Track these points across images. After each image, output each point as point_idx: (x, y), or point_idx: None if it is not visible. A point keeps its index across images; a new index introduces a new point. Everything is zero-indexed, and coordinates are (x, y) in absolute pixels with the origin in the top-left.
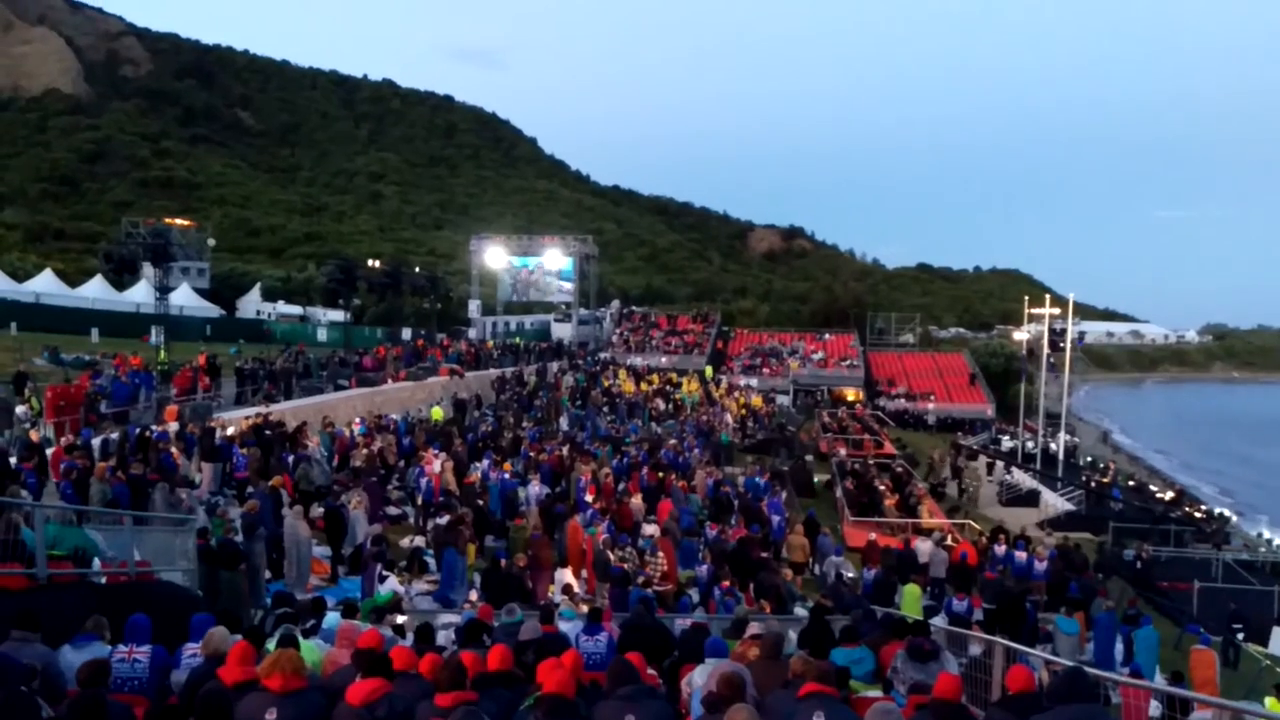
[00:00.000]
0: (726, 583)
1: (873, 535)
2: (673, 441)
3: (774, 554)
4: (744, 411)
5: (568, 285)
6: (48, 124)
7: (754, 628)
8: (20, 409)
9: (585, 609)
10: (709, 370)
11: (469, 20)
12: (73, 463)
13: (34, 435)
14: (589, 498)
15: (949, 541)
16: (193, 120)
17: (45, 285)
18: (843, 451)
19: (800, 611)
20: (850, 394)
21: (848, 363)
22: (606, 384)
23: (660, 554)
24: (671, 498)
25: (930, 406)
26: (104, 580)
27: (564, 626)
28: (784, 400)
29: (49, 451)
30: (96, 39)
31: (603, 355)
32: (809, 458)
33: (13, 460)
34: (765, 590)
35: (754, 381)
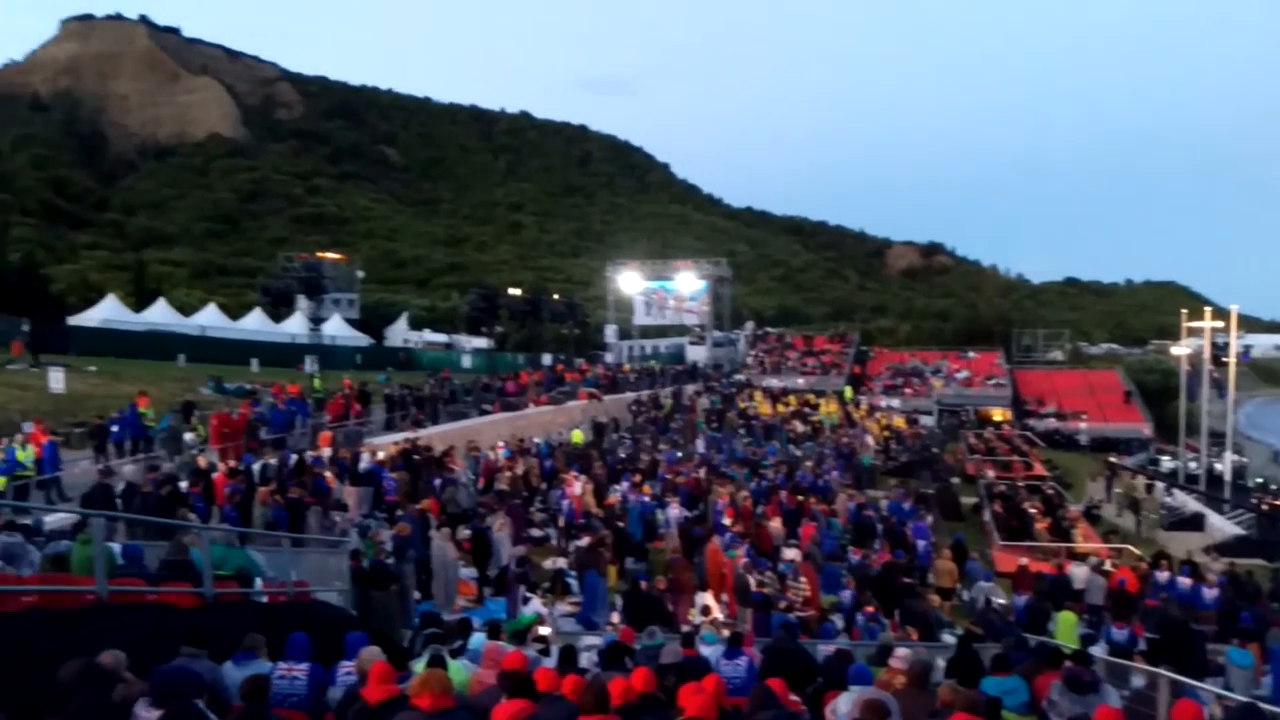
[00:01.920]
0: (870, 609)
1: (1024, 560)
2: (811, 464)
3: (919, 579)
4: (886, 433)
5: (702, 308)
6: (210, 167)
7: (899, 655)
8: (188, 436)
9: (726, 633)
10: (848, 391)
11: (601, 51)
12: (236, 487)
13: (201, 461)
14: (727, 521)
15: (1106, 567)
16: (341, 158)
17: (210, 319)
18: (990, 473)
19: (948, 639)
20: (997, 414)
21: (994, 381)
22: (742, 406)
23: (802, 578)
24: (813, 521)
25: (1082, 426)
26: (265, 599)
27: (705, 650)
28: (927, 421)
29: (214, 476)
30: (253, 85)
31: (738, 377)
32: (955, 480)
33: (182, 485)
34: (911, 616)
35: (895, 402)
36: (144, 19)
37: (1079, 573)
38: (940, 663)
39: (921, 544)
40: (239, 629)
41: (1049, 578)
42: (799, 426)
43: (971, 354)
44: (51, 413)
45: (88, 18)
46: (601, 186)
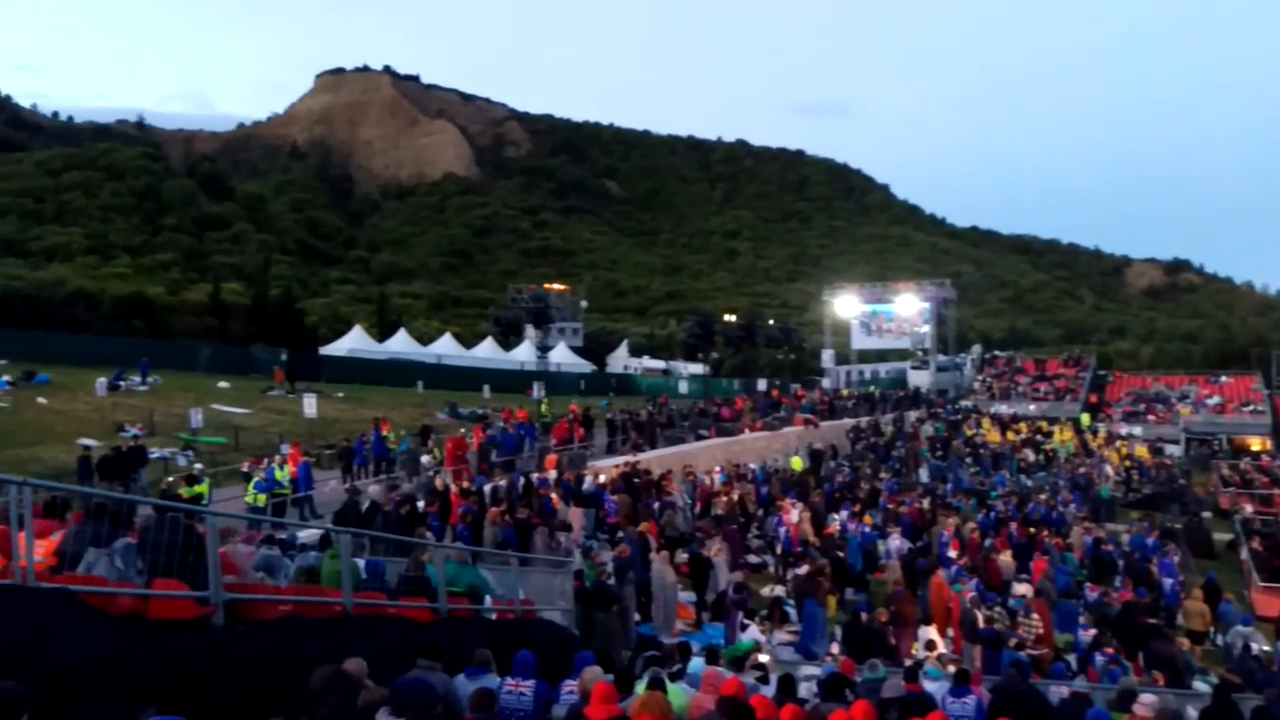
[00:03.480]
0: (1110, 650)
1: None
2: (1044, 495)
3: (1166, 621)
4: (1127, 463)
5: (924, 331)
6: (446, 204)
7: (1145, 701)
8: (425, 458)
9: (952, 669)
10: (1085, 418)
11: (816, 74)
12: (469, 507)
13: (437, 482)
14: (953, 553)
15: None
16: (566, 193)
17: (445, 347)
18: (1248, 508)
19: (1201, 687)
20: (1255, 443)
21: (1250, 408)
22: (969, 433)
23: (1034, 615)
24: (1046, 556)
25: None
26: (494, 616)
27: (929, 686)
28: (1174, 450)
29: (449, 496)
30: (485, 126)
31: (964, 403)
32: (1206, 514)
33: (420, 505)
34: (1158, 660)
35: (1137, 430)
36: (388, 69)
37: None
38: (1192, 713)
39: (1168, 582)
40: (470, 644)
41: None
42: (1030, 455)
43: (1224, 378)
44: (305, 435)
45: (339, 71)
46: (818, 210)
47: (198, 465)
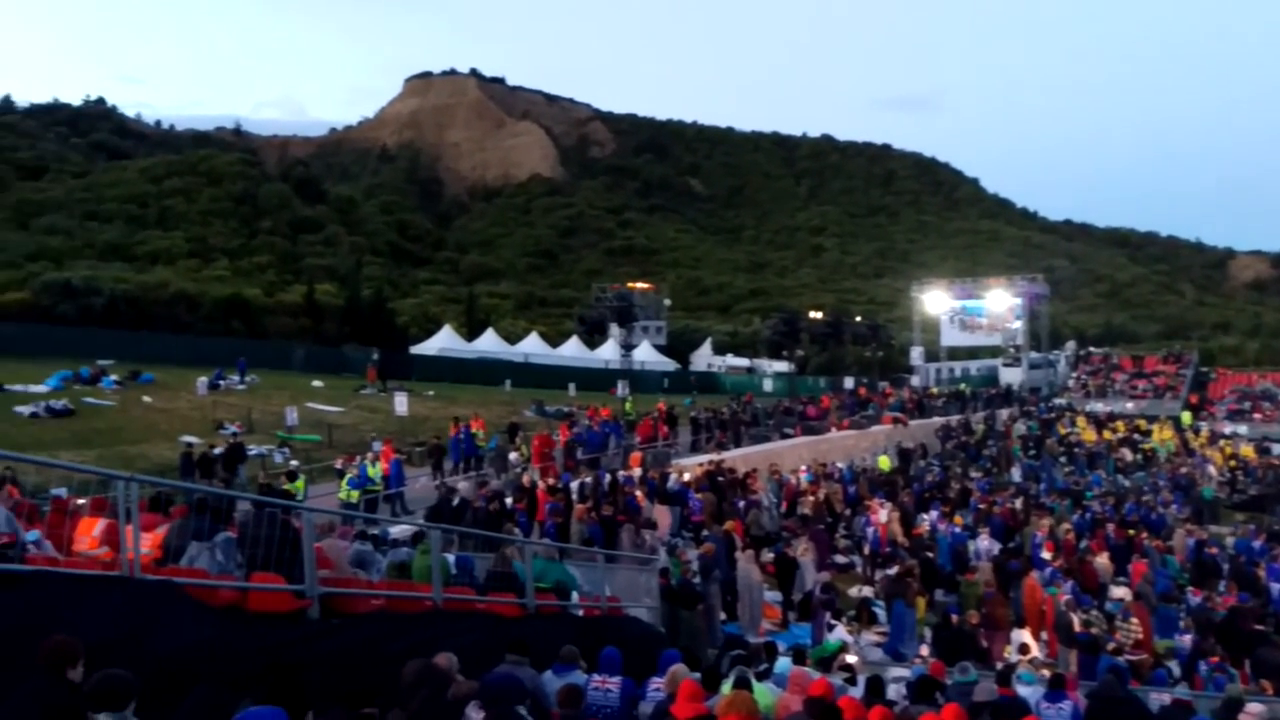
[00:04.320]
0: (1215, 657)
1: None
2: (1145, 496)
3: (1273, 627)
4: (1231, 463)
5: (1016, 327)
6: (531, 205)
7: (1252, 710)
8: (513, 455)
9: (1046, 674)
10: (1186, 416)
11: (903, 67)
12: (555, 504)
13: (525, 479)
14: (1047, 555)
15: None
16: (650, 191)
17: (532, 346)
18: None
19: None
20: None
21: None
22: (1063, 432)
23: (1133, 619)
24: (1145, 558)
25: None
26: (581, 613)
27: (1023, 691)
28: None
29: (536, 493)
30: (569, 126)
31: (1058, 401)
32: None
33: (508, 501)
34: (1267, 668)
35: (1243, 429)
36: (474, 72)
37: None
38: None
39: (1276, 587)
40: (557, 640)
41: None
42: (1128, 455)
43: None
44: (396, 433)
45: (426, 74)
46: (906, 205)
47: (294, 462)
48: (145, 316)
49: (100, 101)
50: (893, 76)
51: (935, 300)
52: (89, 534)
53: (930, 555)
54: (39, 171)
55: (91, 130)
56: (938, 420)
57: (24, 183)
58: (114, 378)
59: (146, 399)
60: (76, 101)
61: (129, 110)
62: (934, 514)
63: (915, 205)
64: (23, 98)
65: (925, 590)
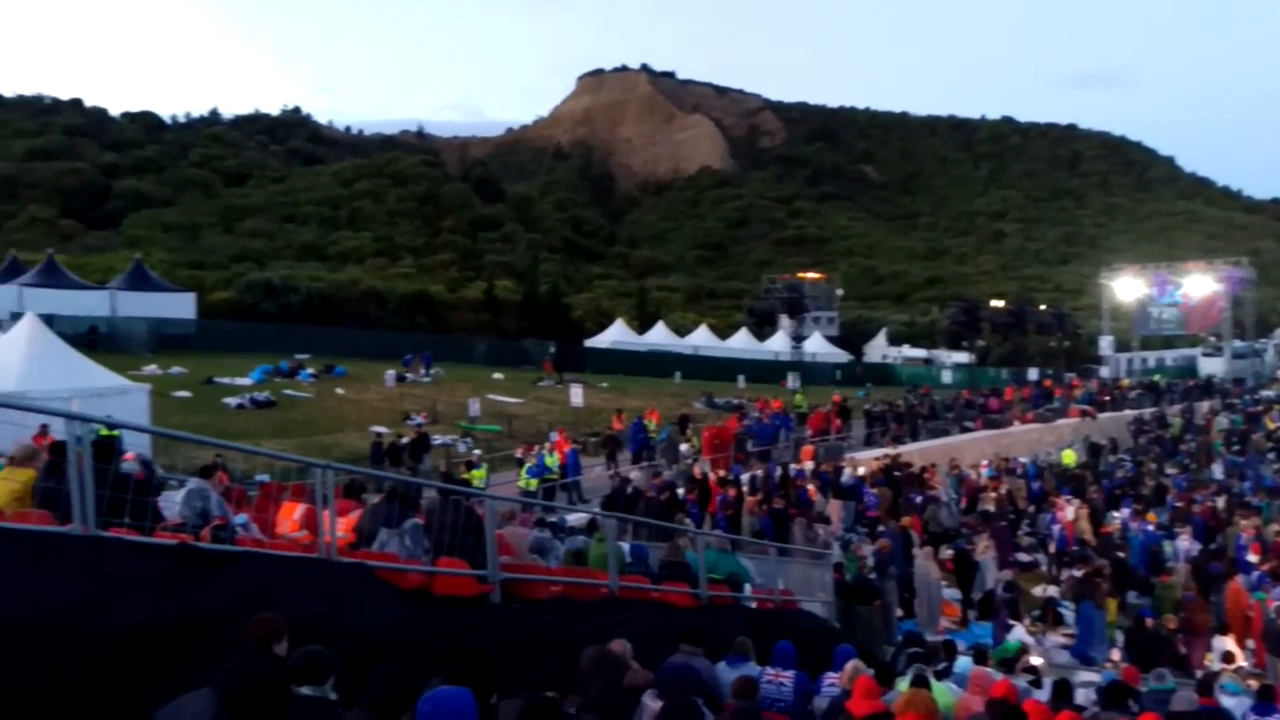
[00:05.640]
0: None
1: None
2: None
3: None
4: None
5: (1218, 314)
6: (701, 198)
7: None
8: (684, 447)
9: (1254, 684)
10: None
11: (1088, 43)
12: (726, 496)
13: (696, 470)
14: (1253, 557)
15: None
16: (820, 180)
17: (701, 339)
18: None
19: None
20: None
21: None
22: (1271, 426)
23: None
24: None
25: None
26: (753, 605)
27: (1226, 701)
28: None
29: (708, 484)
30: (739, 117)
31: (1265, 393)
32: None
33: (679, 491)
34: None
35: None
36: (645, 67)
37: None
38: None
39: None
40: (729, 631)
41: None
42: None
43: None
44: (572, 424)
45: (598, 72)
46: (1094, 187)
47: (476, 451)
48: (337, 313)
49: (296, 110)
50: (1077, 53)
51: (1127, 287)
52: (290, 518)
53: (1121, 555)
54: (242, 178)
55: (289, 137)
56: (1129, 413)
57: (229, 189)
58: (310, 371)
59: (339, 391)
60: (275, 111)
61: (321, 118)
62: (1126, 512)
63: (1104, 187)
64: (228, 110)
65: (1116, 592)
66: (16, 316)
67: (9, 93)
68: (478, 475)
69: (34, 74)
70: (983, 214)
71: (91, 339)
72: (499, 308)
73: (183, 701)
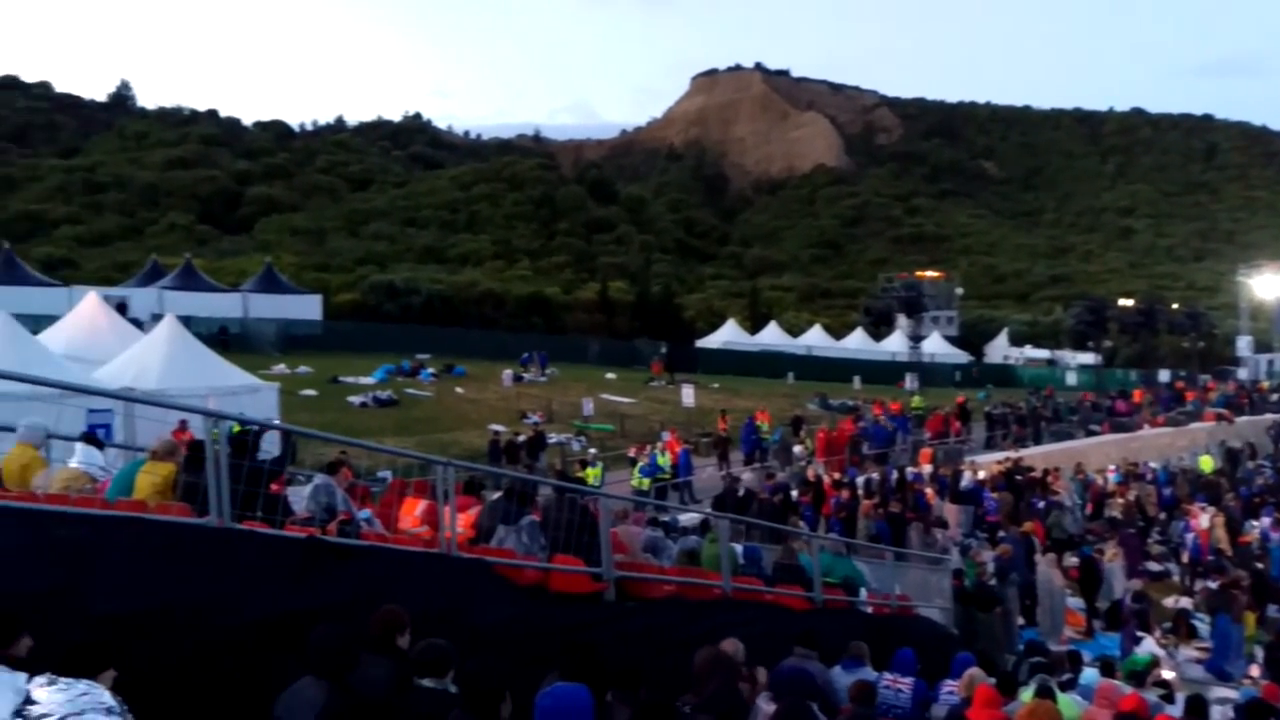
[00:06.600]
0: None
1: None
2: None
3: None
4: None
5: None
6: (816, 196)
7: None
8: (797, 449)
9: None
10: None
11: (1223, 30)
12: (840, 499)
13: (810, 473)
14: None
15: None
16: (939, 177)
17: (815, 339)
18: None
19: None
20: None
21: None
22: None
23: None
24: None
25: None
26: (869, 610)
27: None
28: None
29: (822, 487)
30: (854, 114)
31: None
32: None
33: (793, 493)
34: None
35: None
36: (759, 66)
37: None
38: None
39: None
40: (844, 635)
41: None
42: None
43: None
44: (684, 424)
45: (712, 72)
46: (1231, 180)
47: (590, 450)
48: (457, 314)
49: (416, 116)
50: (1212, 39)
51: (1268, 284)
52: (411, 514)
53: (1261, 566)
54: (366, 183)
55: (410, 143)
56: (1269, 417)
57: (354, 194)
58: (431, 371)
59: (459, 390)
60: (396, 117)
61: (440, 123)
62: (1266, 521)
63: (1242, 180)
64: (352, 117)
65: (1255, 604)
66: (157, 318)
67: (151, 105)
68: (592, 474)
69: (174, 86)
70: (1110, 210)
71: (223, 339)
72: (612, 308)
73: (298, 688)
